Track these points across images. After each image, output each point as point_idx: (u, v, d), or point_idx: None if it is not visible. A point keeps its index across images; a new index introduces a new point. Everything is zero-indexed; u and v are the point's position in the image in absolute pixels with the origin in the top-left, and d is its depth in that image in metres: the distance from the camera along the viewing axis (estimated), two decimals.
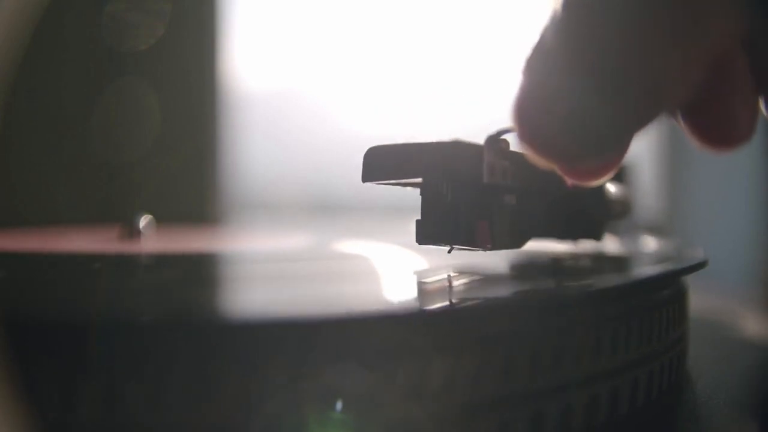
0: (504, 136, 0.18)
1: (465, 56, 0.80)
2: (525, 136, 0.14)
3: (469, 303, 0.16)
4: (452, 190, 0.18)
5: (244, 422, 0.12)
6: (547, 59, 0.14)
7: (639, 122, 0.14)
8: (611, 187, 0.24)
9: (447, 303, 0.16)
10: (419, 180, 0.19)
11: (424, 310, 0.15)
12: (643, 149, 0.79)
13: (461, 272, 0.20)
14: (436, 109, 0.79)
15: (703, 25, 0.13)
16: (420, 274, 0.20)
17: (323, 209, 0.78)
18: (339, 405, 0.13)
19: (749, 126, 0.16)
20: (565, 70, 0.14)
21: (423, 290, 0.18)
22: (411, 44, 0.81)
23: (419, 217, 0.19)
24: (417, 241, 0.19)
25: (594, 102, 0.13)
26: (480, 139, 0.18)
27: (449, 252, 0.19)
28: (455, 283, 0.19)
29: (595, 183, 0.16)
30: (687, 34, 0.13)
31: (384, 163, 0.18)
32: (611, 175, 0.16)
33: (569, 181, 0.16)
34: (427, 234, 0.19)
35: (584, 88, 0.13)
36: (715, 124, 0.16)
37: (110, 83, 0.60)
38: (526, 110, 0.14)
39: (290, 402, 0.12)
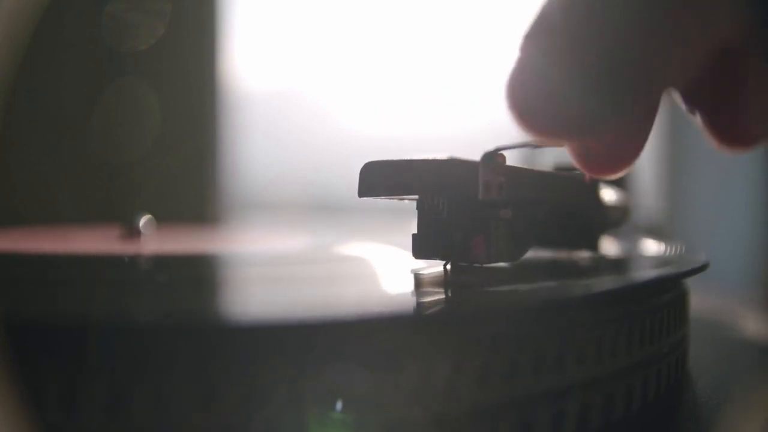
0: (500, 152, 0.18)
1: (465, 56, 0.80)
2: (516, 108, 0.14)
3: (468, 305, 0.16)
4: (448, 206, 0.19)
5: (245, 423, 0.12)
6: (546, 35, 0.14)
7: (636, 98, 0.14)
8: (609, 195, 0.24)
9: (446, 304, 0.16)
10: (415, 196, 0.19)
11: (423, 312, 0.15)
12: (643, 149, 0.78)
13: (460, 272, 0.20)
14: (436, 109, 0.79)
15: (703, 12, 0.13)
16: (417, 269, 0.20)
17: (323, 209, 0.78)
18: (339, 405, 0.13)
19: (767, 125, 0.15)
20: (565, 42, 0.14)
21: (421, 288, 0.18)
22: (411, 44, 0.81)
23: (415, 232, 0.19)
24: (413, 256, 0.19)
25: (591, 75, 0.13)
26: (479, 143, 0.18)
27: (445, 266, 0.19)
28: (451, 274, 0.19)
29: (612, 176, 0.16)
30: (688, 18, 0.13)
31: (380, 180, 0.18)
32: (628, 168, 0.16)
33: (586, 174, 0.16)
34: (424, 249, 0.19)
35: (582, 61, 0.13)
36: (733, 123, 0.15)
37: (110, 83, 0.60)
38: (521, 83, 0.14)
39: (290, 402, 0.12)
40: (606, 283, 0.19)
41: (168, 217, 0.41)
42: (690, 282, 0.22)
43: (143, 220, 0.32)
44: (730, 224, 0.70)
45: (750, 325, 0.30)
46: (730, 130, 0.15)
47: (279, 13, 0.83)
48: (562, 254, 0.23)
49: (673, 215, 0.78)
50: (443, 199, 0.19)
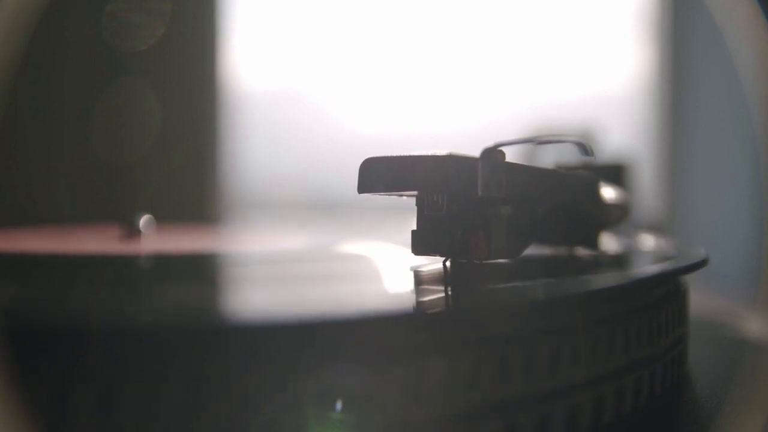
0: (500, 149, 0.18)
1: (465, 56, 0.80)
2: None
3: (467, 303, 0.16)
4: (447, 202, 0.19)
5: (244, 424, 0.12)
6: None
7: None
8: (609, 193, 0.24)
9: (445, 304, 0.16)
10: (415, 192, 0.19)
11: (422, 311, 0.15)
12: (643, 149, 0.79)
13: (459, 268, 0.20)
14: (436, 109, 0.79)
15: None
16: (416, 266, 0.20)
17: (322, 208, 0.78)
18: (339, 405, 0.13)
19: None
20: None
21: (421, 285, 0.18)
22: (411, 44, 0.81)
23: (415, 228, 0.19)
24: (413, 252, 0.19)
25: None
26: (479, 142, 0.18)
27: (445, 263, 0.19)
28: (451, 271, 0.19)
29: None
30: None
31: (379, 176, 0.18)
32: None
33: None
34: (423, 245, 0.19)
35: None
36: None
37: (110, 83, 0.60)
38: None
39: (290, 403, 0.12)
40: (603, 280, 0.19)
41: (168, 217, 0.41)
42: (690, 281, 0.22)
43: (143, 220, 0.32)
44: (730, 223, 0.69)
45: (750, 325, 0.30)
46: None
47: (279, 13, 0.83)
48: (561, 251, 0.23)
49: (673, 214, 0.78)
50: (443, 195, 0.19)
